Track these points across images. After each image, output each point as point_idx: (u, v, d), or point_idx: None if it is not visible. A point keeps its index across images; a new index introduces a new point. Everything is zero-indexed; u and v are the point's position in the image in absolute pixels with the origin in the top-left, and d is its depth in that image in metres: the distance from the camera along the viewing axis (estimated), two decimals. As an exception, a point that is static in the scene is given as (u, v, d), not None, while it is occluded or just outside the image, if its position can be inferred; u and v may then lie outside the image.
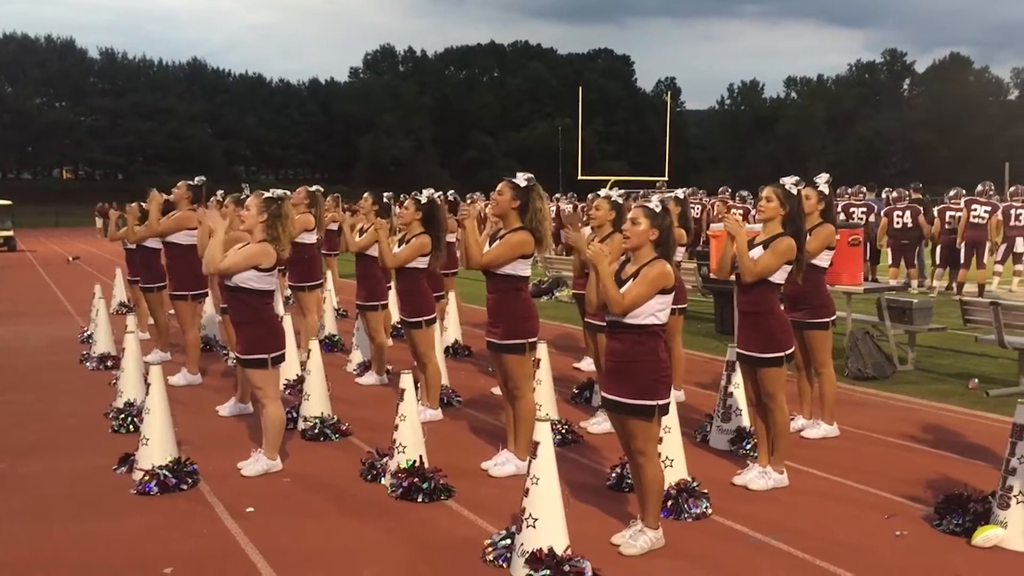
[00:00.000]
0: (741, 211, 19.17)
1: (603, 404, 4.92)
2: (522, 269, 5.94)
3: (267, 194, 6.20)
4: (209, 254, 6.08)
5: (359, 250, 8.48)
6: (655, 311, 4.63)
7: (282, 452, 6.37)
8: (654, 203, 4.78)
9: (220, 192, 10.68)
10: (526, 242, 5.84)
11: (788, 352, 5.78)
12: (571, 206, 23.39)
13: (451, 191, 13.90)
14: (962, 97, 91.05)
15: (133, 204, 11.13)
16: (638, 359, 4.63)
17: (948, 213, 16.30)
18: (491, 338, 6.03)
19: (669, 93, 79.74)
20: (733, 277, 5.93)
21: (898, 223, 16.35)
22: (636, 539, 4.73)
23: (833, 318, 6.80)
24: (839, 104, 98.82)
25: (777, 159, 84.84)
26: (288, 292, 11.17)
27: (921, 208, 16.61)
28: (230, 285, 6.10)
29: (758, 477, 5.77)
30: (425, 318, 7.49)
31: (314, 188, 10.36)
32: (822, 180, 6.69)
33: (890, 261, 16.75)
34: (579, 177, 41.00)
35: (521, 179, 5.89)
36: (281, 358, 6.25)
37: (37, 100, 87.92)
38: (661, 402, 4.67)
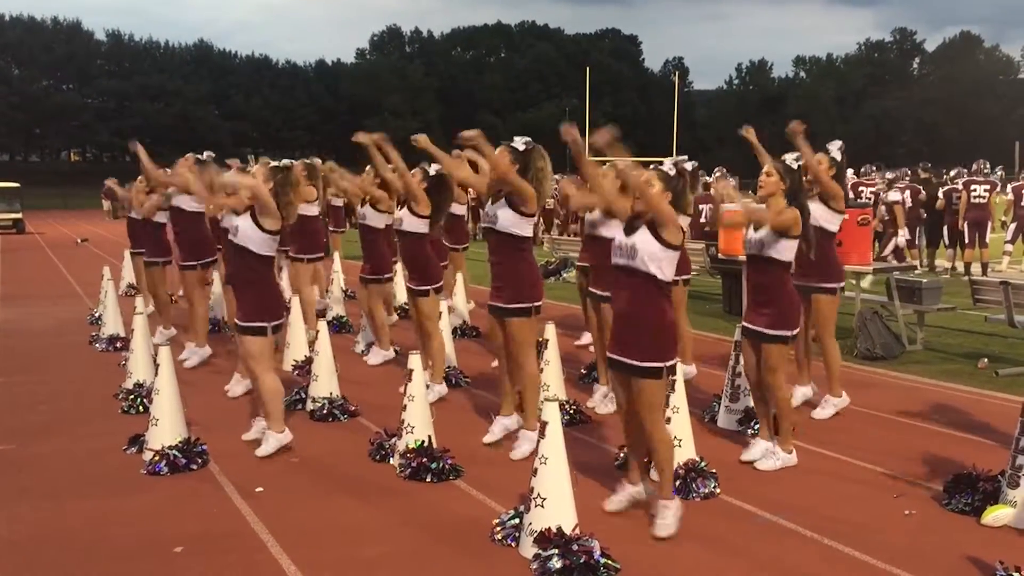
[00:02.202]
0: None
1: (610, 365, 4.91)
2: (525, 229, 5.91)
3: (274, 163, 6.19)
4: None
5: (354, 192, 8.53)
6: (661, 261, 4.61)
7: (293, 431, 6.38)
8: (667, 166, 4.79)
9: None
10: (534, 195, 5.83)
11: (795, 332, 5.79)
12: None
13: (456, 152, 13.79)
14: (972, 76, 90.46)
15: (139, 180, 11.12)
16: (647, 317, 4.65)
17: (955, 194, 16.22)
18: (495, 302, 6.01)
19: (677, 73, 79.46)
20: (743, 257, 5.92)
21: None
22: (665, 517, 4.70)
23: (841, 284, 6.79)
24: (848, 84, 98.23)
25: (785, 139, 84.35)
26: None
27: (921, 188, 16.56)
28: (236, 245, 6.07)
29: (766, 458, 5.76)
30: (433, 286, 7.49)
31: (311, 160, 10.24)
32: (835, 147, 6.67)
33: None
34: (586, 157, 40.89)
35: (519, 143, 5.86)
36: (279, 327, 6.24)
37: (44, 82, 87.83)
38: (669, 363, 4.68)
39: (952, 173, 17.04)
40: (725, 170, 20.56)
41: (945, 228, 16.43)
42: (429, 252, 7.60)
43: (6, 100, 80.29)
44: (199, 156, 8.83)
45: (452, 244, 11.54)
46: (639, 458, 5.09)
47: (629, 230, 4.73)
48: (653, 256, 4.60)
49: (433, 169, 7.45)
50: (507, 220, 5.87)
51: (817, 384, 7.21)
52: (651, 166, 4.98)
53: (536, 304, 5.99)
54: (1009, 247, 16.25)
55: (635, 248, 4.62)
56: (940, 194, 16.47)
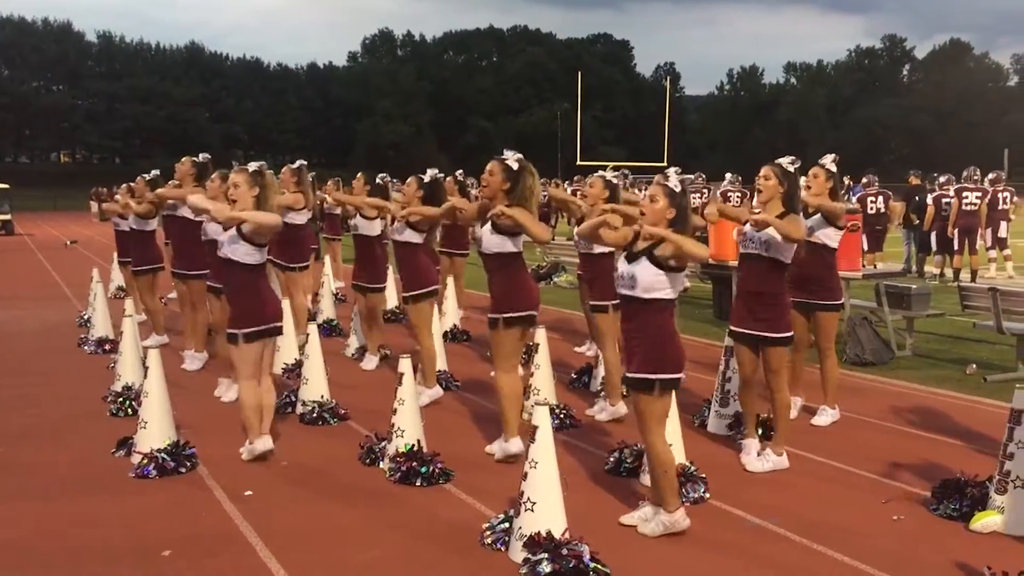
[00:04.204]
0: (739, 195, 19.23)
1: (623, 382, 4.94)
2: (513, 246, 5.89)
3: (251, 167, 6.12)
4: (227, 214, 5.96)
5: (341, 201, 8.50)
6: (667, 286, 4.66)
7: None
8: (673, 183, 4.79)
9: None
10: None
11: (791, 334, 5.84)
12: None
13: (459, 171, 13.81)
14: (962, 83, 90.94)
15: (123, 186, 11.07)
16: (646, 332, 4.67)
17: (944, 200, 16.29)
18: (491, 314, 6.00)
19: (668, 78, 79.66)
20: (735, 263, 5.95)
21: (872, 209, 16.32)
22: (652, 520, 4.76)
23: (843, 301, 6.83)
24: (839, 90, 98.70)
25: (776, 145, 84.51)
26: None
27: (890, 193, 16.63)
28: (224, 259, 6.04)
29: (758, 460, 5.79)
30: (425, 289, 7.49)
31: (297, 164, 10.03)
32: (828, 160, 6.69)
33: (866, 247, 16.68)
34: (578, 162, 41.01)
35: (512, 160, 5.85)
36: (253, 336, 5.95)
37: (34, 83, 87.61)
38: (664, 376, 4.67)
39: (942, 180, 17.05)
40: (728, 180, 20.65)
41: (933, 235, 16.48)
42: (422, 259, 7.62)
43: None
44: (195, 159, 8.76)
45: (454, 250, 11.57)
46: None
47: (631, 258, 4.74)
48: (650, 287, 4.63)
49: (428, 176, 7.46)
50: (493, 242, 5.85)
51: (808, 394, 7.23)
52: (655, 179, 5.00)
53: (522, 314, 5.90)
54: (992, 253, 16.33)
55: (635, 278, 4.65)
56: (930, 200, 16.50)
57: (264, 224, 5.89)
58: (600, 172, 7.32)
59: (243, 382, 6.06)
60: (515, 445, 5.87)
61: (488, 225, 5.87)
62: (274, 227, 5.99)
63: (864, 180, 16.96)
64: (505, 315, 5.84)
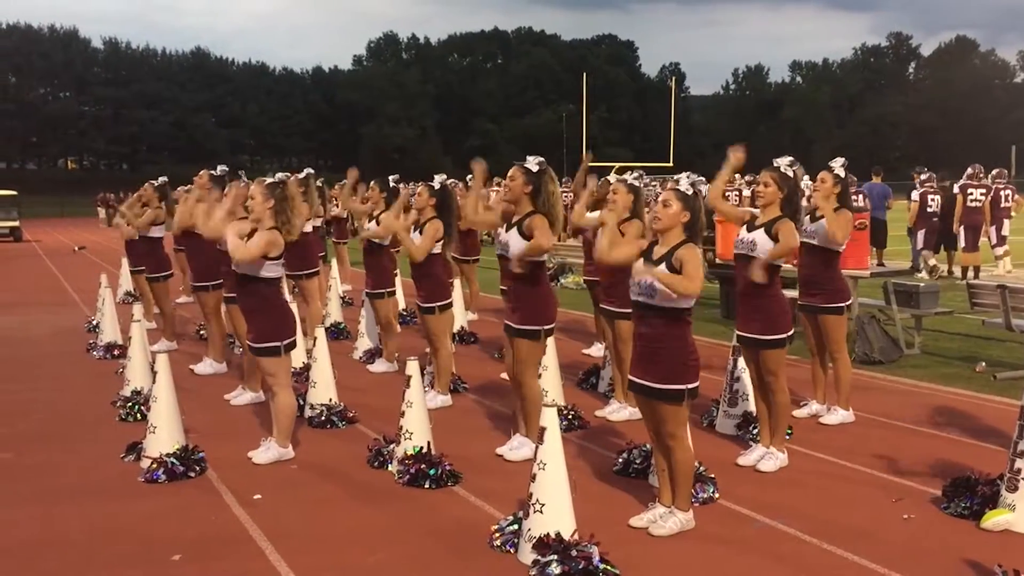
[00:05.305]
0: (736, 193, 19.26)
1: (631, 388, 4.92)
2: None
3: (269, 180, 6.19)
4: (233, 243, 6.00)
5: (371, 237, 8.53)
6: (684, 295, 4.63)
7: (291, 440, 6.38)
8: (684, 186, 4.78)
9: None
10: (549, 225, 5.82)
11: (789, 334, 5.81)
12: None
13: (469, 177, 13.80)
14: (968, 80, 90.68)
15: (132, 198, 11.10)
16: (668, 343, 4.64)
17: (929, 196, 16.23)
18: (509, 321, 6.00)
19: (673, 79, 79.36)
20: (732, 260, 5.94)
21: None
22: (666, 520, 4.76)
23: (849, 303, 6.81)
24: (844, 88, 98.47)
25: (782, 144, 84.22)
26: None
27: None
28: (240, 274, 6.09)
29: (767, 459, 5.78)
30: (440, 303, 7.49)
31: (305, 173, 10.13)
32: (837, 164, 6.67)
33: None
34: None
35: (532, 163, 5.87)
36: (293, 345, 6.24)
37: (41, 90, 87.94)
38: (690, 386, 4.70)
39: (923, 177, 16.95)
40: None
41: (921, 232, 16.38)
42: (441, 270, 7.63)
43: (2, 108, 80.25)
44: (213, 172, 8.79)
45: (463, 256, 11.54)
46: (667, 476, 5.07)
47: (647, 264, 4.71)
48: (671, 295, 4.60)
49: (437, 182, 7.46)
50: (519, 248, 5.83)
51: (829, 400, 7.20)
52: (667, 183, 4.98)
53: (547, 328, 5.97)
54: (999, 250, 16.30)
55: (653, 287, 4.62)
56: (916, 197, 16.42)
57: (270, 248, 5.95)
58: (619, 178, 7.29)
59: (286, 390, 6.18)
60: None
61: (514, 230, 5.86)
62: (277, 246, 6.02)
63: (852, 178, 16.89)
64: (547, 327, 5.93)
